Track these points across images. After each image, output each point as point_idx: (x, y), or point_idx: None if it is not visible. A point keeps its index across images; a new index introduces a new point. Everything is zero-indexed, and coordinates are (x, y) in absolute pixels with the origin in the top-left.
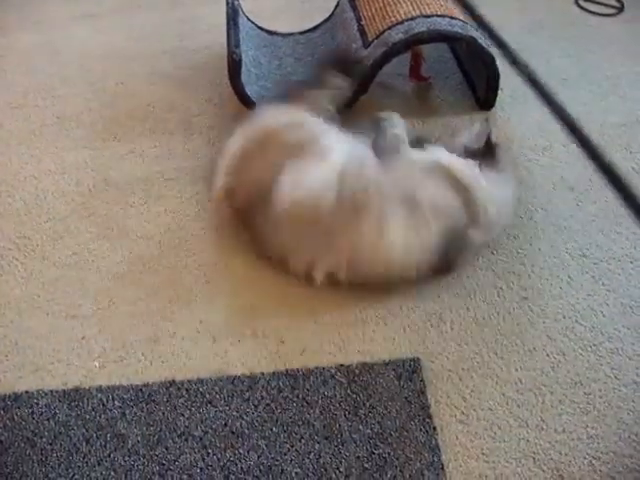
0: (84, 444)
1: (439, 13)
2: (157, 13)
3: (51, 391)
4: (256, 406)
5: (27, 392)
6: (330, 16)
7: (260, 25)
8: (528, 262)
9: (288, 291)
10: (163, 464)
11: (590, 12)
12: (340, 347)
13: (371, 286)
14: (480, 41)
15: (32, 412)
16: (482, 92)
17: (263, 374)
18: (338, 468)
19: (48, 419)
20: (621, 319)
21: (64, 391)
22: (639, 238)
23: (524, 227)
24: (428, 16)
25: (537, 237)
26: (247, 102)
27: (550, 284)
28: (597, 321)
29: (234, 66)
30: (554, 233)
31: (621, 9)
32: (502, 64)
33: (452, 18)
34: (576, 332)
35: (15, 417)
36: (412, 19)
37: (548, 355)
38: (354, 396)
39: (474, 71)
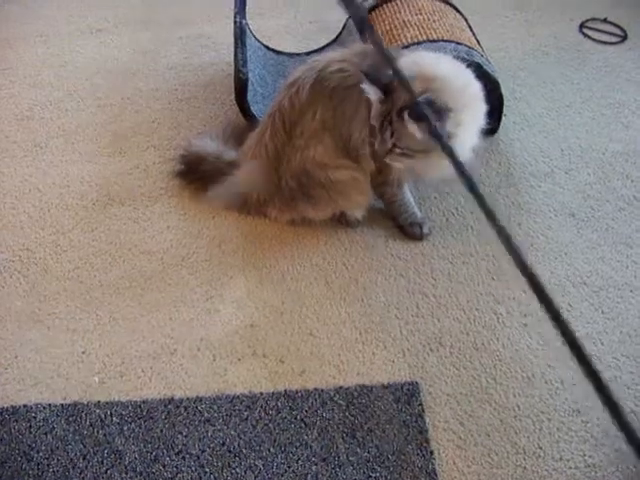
0: (81, 459)
1: (445, 38)
2: (163, 29)
3: (49, 405)
4: (254, 426)
5: (25, 406)
6: (337, 37)
7: (267, 44)
8: (528, 288)
9: (289, 310)
10: None
11: (594, 40)
12: (339, 369)
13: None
14: (485, 67)
15: (30, 426)
16: (485, 118)
17: (262, 394)
18: None
19: (45, 433)
20: (620, 348)
21: (62, 405)
22: (639, 267)
23: (525, 253)
24: (434, 41)
25: (537, 263)
26: (252, 120)
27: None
28: (596, 349)
29: (241, 85)
30: (554, 260)
31: (624, 37)
32: (506, 90)
33: (458, 44)
34: (575, 360)
35: (12, 431)
36: (418, 43)
37: (547, 382)
38: (352, 419)
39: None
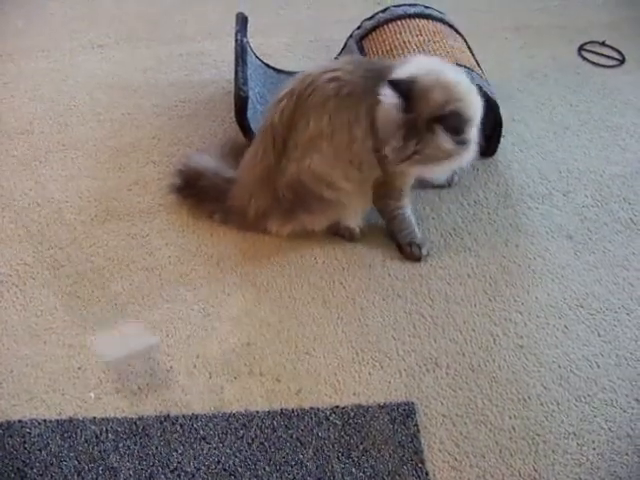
0: (75, 476)
1: (446, 59)
2: (164, 46)
3: (44, 420)
4: (250, 444)
5: (20, 421)
6: (337, 56)
7: (267, 62)
8: (525, 310)
9: (286, 329)
10: None
11: (592, 62)
12: (336, 388)
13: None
14: (485, 89)
15: (24, 441)
16: (484, 139)
17: (258, 412)
18: None
19: (40, 449)
20: (616, 371)
21: (58, 421)
22: (635, 290)
23: (522, 275)
24: None
25: (534, 285)
26: (251, 138)
27: (546, 333)
28: (592, 372)
29: (241, 103)
30: (551, 282)
31: (622, 61)
32: (505, 111)
33: (458, 65)
34: (571, 382)
35: (6, 446)
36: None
37: (542, 404)
38: (348, 438)
39: None
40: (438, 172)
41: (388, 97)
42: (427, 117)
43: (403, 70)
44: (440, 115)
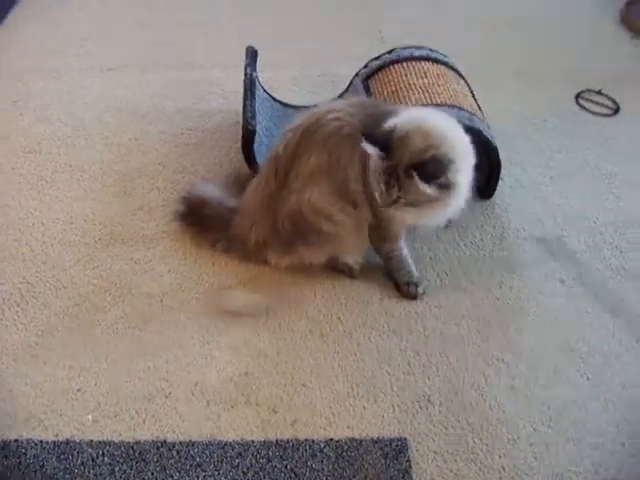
0: None
1: (449, 103)
2: (173, 72)
3: (41, 442)
4: (245, 473)
5: (17, 441)
6: (342, 93)
7: (274, 96)
8: (517, 351)
9: (283, 361)
10: None
11: (588, 111)
12: (330, 421)
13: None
14: (485, 133)
15: (19, 462)
16: (483, 182)
17: (254, 442)
18: None
19: (35, 471)
20: (604, 415)
21: (55, 442)
22: (625, 336)
23: (515, 317)
24: (438, 105)
25: (527, 327)
26: (256, 171)
27: (537, 375)
28: (580, 415)
29: (248, 136)
30: (543, 325)
31: (617, 110)
32: (503, 155)
33: (460, 109)
34: (560, 424)
35: (2, 466)
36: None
37: (531, 445)
38: (341, 471)
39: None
40: (430, 219)
41: (369, 147)
42: (405, 164)
43: (393, 119)
44: (417, 162)
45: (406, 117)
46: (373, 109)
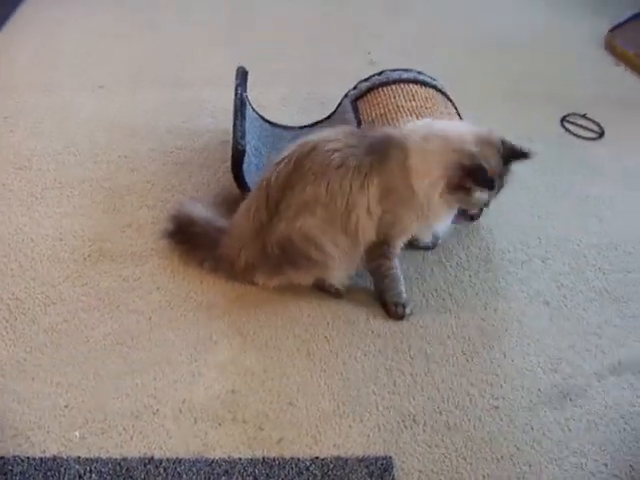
0: None
1: None
2: (164, 91)
3: (28, 458)
4: None
5: (3, 457)
6: (331, 114)
7: (263, 115)
8: (501, 372)
9: (270, 379)
10: None
11: (573, 134)
12: (316, 439)
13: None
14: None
15: (6, 479)
16: None
17: (240, 460)
18: None
19: None
20: (586, 435)
21: (42, 459)
22: (607, 357)
23: (499, 337)
24: None
25: (511, 348)
26: (245, 190)
27: (521, 395)
28: (563, 435)
29: (238, 156)
30: (527, 345)
31: (601, 134)
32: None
33: None
34: (543, 444)
35: None
36: None
37: (515, 465)
38: None
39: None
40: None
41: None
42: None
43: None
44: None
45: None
46: (371, 138)
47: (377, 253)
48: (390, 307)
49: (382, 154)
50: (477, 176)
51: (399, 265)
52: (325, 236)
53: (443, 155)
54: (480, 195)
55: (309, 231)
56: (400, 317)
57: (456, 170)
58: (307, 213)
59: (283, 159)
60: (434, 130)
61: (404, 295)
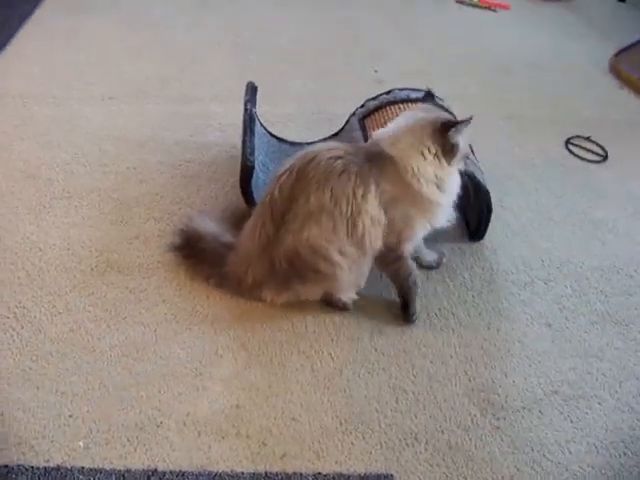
0: None
1: None
2: (172, 104)
3: (32, 467)
4: None
5: (7, 466)
6: (338, 132)
7: (270, 131)
8: (502, 392)
9: (274, 394)
10: None
11: (577, 156)
12: (319, 455)
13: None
14: (478, 177)
15: None
16: (474, 224)
17: (243, 474)
18: None
19: None
20: (586, 458)
21: (45, 468)
22: (608, 380)
23: (501, 358)
24: None
25: (512, 369)
26: (252, 205)
27: (522, 416)
28: (563, 457)
29: (247, 172)
30: (528, 367)
31: (605, 157)
32: (493, 197)
33: None
34: (543, 466)
35: None
36: None
37: None
38: None
39: (468, 204)
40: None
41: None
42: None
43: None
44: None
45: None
46: (366, 149)
47: (390, 259)
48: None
49: (377, 163)
50: (452, 124)
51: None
52: (332, 246)
53: (417, 140)
54: (463, 144)
55: (315, 242)
56: (411, 322)
57: (437, 138)
58: (312, 223)
59: (285, 171)
60: (392, 128)
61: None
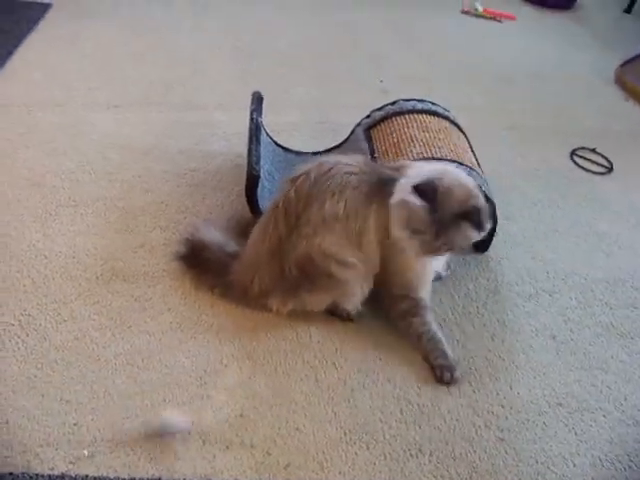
0: None
1: (449, 157)
2: (177, 113)
3: (36, 475)
4: None
5: (12, 474)
6: (344, 142)
7: (275, 140)
8: (507, 404)
9: (278, 404)
10: None
11: (582, 168)
12: (323, 466)
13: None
14: (484, 189)
15: None
16: None
17: None
18: None
19: None
20: (590, 471)
21: (50, 476)
22: (613, 392)
23: (505, 370)
24: (439, 159)
25: (517, 381)
26: (257, 214)
27: (526, 428)
28: (567, 470)
29: (252, 181)
30: (533, 379)
31: (610, 169)
32: (498, 208)
33: (460, 164)
34: (547, 478)
35: None
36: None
37: None
38: None
39: None
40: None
41: (417, 201)
42: (453, 214)
43: (415, 176)
44: (464, 211)
45: (435, 171)
46: (380, 173)
47: (403, 309)
48: (435, 371)
49: (383, 196)
50: (472, 215)
51: (434, 320)
52: (344, 250)
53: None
54: (470, 234)
55: (329, 247)
56: (447, 383)
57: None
58: (326, 230)
59: (301, 175)
60: (458, 175)
61: (449, 355)
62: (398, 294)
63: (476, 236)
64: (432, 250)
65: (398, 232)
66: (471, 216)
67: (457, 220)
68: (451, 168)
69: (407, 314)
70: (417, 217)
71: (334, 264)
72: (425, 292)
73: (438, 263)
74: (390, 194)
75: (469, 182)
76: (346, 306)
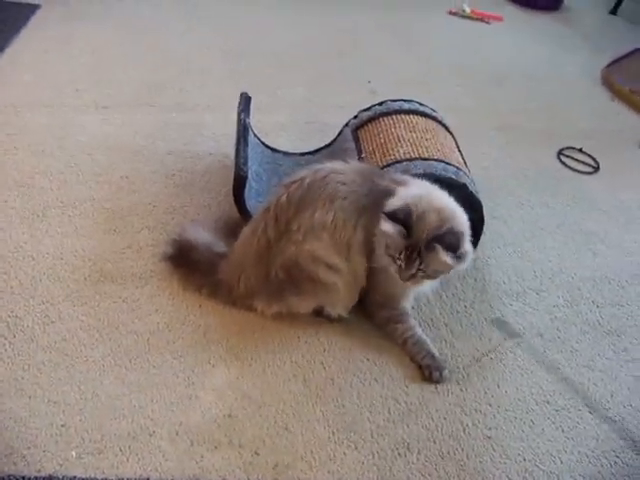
0: None
1: (436, 157)
2: (165, 113)
3: (23, 477)
4: None
5: None
6: (332, 142)
7: (263, 140)
8: (495, 403)
9: (266, 404)
10: None
11: (569, 167)
12: (311, 465)
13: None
14: (470, 188)
15: None
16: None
17: None
18: None
19: None
20: (577, 467)
21: (37, 478)
22: (599, 390)
23: (493, 368)
24: (425, 159)
25: (504, 379)
26: (245, 214)
27: (513, 426)
28: (555, 467)
29: (240, 181)
30: (521, 376)
31: (597, 169)
32: (485, 208)
33: (447, 164)
34: (535, 475)
35: None
36: (410, 160)
37: None
38: None
39: None
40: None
41: (390, 226)
42: (427, 239)
43: (397, 199)
44: (437, 235)
45: (413, 196)
46: (373, 184)
47: (385, 317)
48: (424, 371)
49: (373, 209)
50: (446, 239)
51: (417, 324)
52: (333, 256)
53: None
54: (445, 258)
55: (316, 252)
56: (436, 382)
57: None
58: (315, 237)
59: (295, 181)
60: (434, 199)
61: (436, 356)
62: (380, 302)
63: (451, 261)
64: (407, 277)
65: (380, 256)
66: (445, 239)
67: (432, 244)
68: (434, 192)
69: (390, 321)
70: (392, 243)
71: (322, 268)
72: (407, 302)
73: (425, 287)
74: (380, 207)
75: (447, 205)
76: (332, 311)
